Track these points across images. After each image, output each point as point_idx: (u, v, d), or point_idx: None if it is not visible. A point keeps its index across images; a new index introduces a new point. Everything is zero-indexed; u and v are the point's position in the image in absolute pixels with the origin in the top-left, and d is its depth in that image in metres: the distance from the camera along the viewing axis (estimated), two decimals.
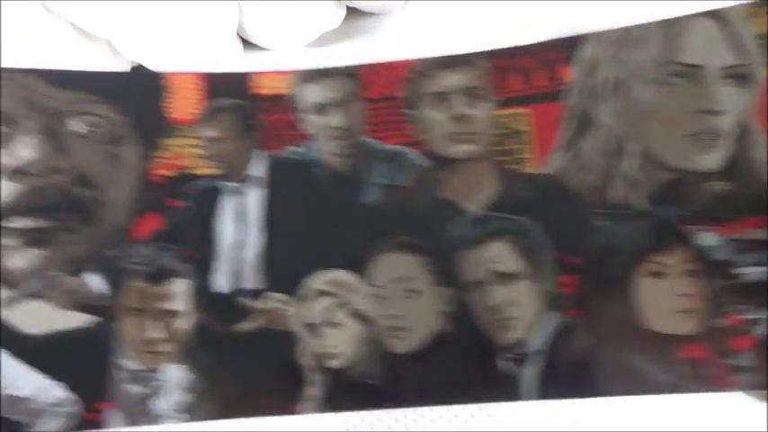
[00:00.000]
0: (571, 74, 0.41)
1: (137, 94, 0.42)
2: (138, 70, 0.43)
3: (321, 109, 0.43)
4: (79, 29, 0.39)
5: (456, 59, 0.42)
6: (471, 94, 0.42)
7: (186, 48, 0.41)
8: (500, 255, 0.38)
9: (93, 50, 0.41)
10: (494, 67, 0.42)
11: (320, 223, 0.40)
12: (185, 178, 0.41)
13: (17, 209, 0.38)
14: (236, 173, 0.42)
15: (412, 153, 0.41)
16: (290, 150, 0.42)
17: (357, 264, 0.39)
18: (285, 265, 0.39)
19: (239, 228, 0.40)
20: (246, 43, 0.44)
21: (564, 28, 0.42)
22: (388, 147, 0.42)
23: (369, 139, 0.42)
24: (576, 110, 0.40)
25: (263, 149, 0.42)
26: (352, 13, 0.45)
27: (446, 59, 0.42)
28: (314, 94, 0.43)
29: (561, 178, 0.39)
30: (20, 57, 0.40)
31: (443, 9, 0.45)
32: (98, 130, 0.41)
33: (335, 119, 0.42)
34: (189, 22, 0.40)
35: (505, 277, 0.38)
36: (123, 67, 0.42)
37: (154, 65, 0.42)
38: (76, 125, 0.40)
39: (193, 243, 0.39)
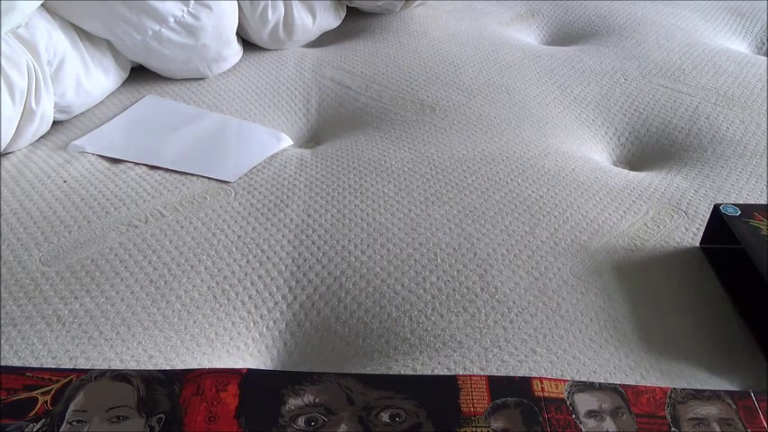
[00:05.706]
0: None
1: (434, 391, 0.48)
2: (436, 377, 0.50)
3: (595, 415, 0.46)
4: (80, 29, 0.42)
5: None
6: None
7: None
8: None
9: None
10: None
11: None
12: None
13: None
14: None
15: None
16: None
17: None
18: None
19: None
20: (247, 43, 0.43)
21: None
22: None
23: None
24: None
25: None
26: (353, 13, 0.44)
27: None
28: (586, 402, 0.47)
29: None
30: None
31: None
32: (400, 419, 0.46)
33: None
34: None
35: None
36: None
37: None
38: (384, 416, 0.47)
39: None
